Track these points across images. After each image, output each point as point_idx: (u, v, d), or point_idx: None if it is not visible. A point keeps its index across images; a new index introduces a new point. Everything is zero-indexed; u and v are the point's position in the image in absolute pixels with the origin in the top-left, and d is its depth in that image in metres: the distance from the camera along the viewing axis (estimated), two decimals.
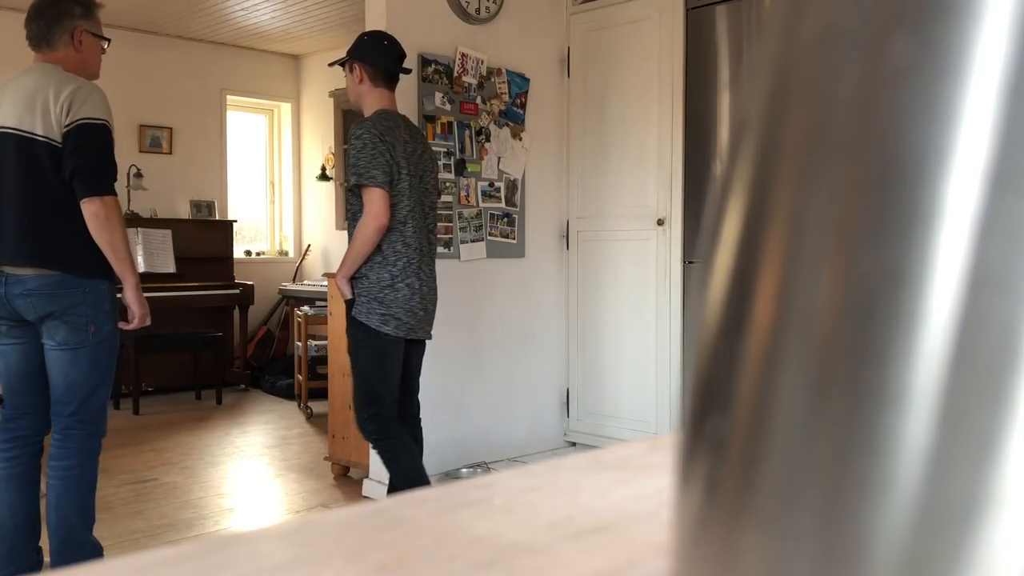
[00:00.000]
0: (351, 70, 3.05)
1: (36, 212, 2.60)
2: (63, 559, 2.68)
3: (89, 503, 2.72)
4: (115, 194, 2.65)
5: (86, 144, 2.58)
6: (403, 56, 3.11)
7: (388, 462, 3.01)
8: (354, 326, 2.99)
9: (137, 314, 2.75)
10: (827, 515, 0.17)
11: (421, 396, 3.79)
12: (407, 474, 2.99)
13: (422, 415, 3.32)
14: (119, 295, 2.74)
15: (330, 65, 3.14)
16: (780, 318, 0.18)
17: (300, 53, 7.94)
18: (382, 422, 2.99)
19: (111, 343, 2.72)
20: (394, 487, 3.06)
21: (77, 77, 2.68)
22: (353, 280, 2.97)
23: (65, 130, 2.58)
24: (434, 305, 3.12)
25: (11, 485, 2.67)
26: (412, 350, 3.13)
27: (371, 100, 3.03)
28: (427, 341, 3.20)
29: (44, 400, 2.70)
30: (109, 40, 2.91)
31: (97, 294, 2.66)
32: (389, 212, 2.88)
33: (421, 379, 3.33)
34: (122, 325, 2.78)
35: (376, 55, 3.03)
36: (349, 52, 3.06)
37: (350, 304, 3.00)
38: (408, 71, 3.21)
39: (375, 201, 2.86)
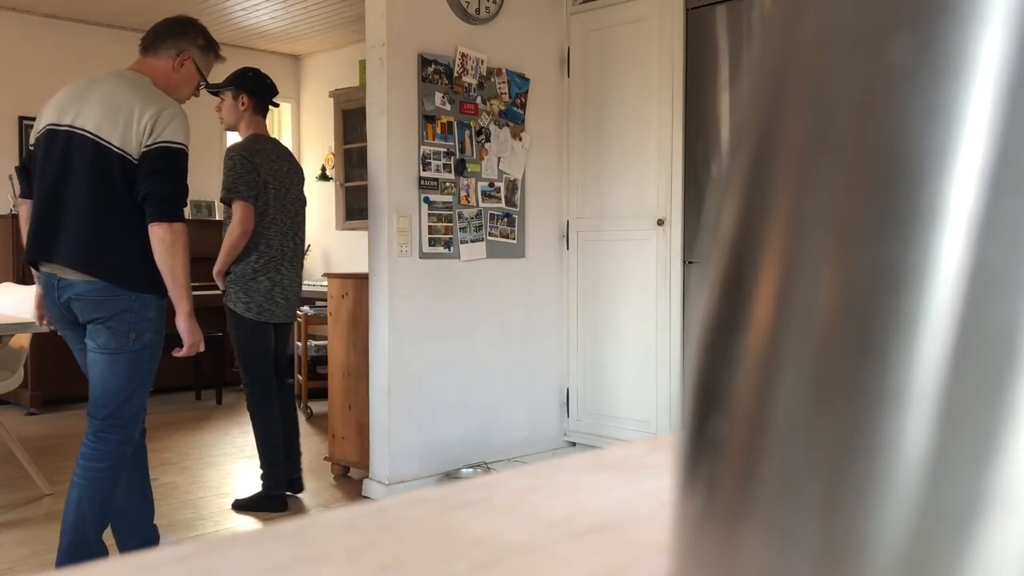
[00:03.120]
0: (235, 98, 3.63)
1: (97, 221, 2.61)
2: (70, 558, 2.70)
3: (107, 506, 2.73)
4: (184, 220, 2.68)
5: (163, 168, 2.60)
6: (277, 92, 3.81)
7: (253, 426, 3.68)
8: (226, 312, 3.66)
9: (188, 342, 2.84)
10: (827, 515, 0.17)
11: (421, 395, 3.92)
12: (261, 444, 3.66)
13: (421, 414, 3.69)
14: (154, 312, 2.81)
15: (206, 87, 3.15)
16: (780, 318, 0.18)
17: (300, 53, 7.94)
18: (252, 393, 3.65)
19: (151, 351, 2.75)
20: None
21: (164, 96, 2.71)
22: (226, 275, 3.61)
23: (145, 149, 2.60)
24: (296, 295, 3.76)
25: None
26: (280, 332, 3.77)
27: (248, 126, 3.65)
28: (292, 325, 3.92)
29: None
30: (208, 84, 3.03)
31: (142, 302, 2.68)
32: (254, 220, 3.50)
33: (421, 378, 3.62)
34: (175, 352, 2.88)
35: (262, 91, 3.69)
36: (236, 83, 3.64)
37: (224, 295, 3.65)
38: (278, 105, 3.92)
39: (240, 211, 3.47)
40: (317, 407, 5.86)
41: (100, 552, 2.76)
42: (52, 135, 2.66)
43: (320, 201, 7.79)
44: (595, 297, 4.35)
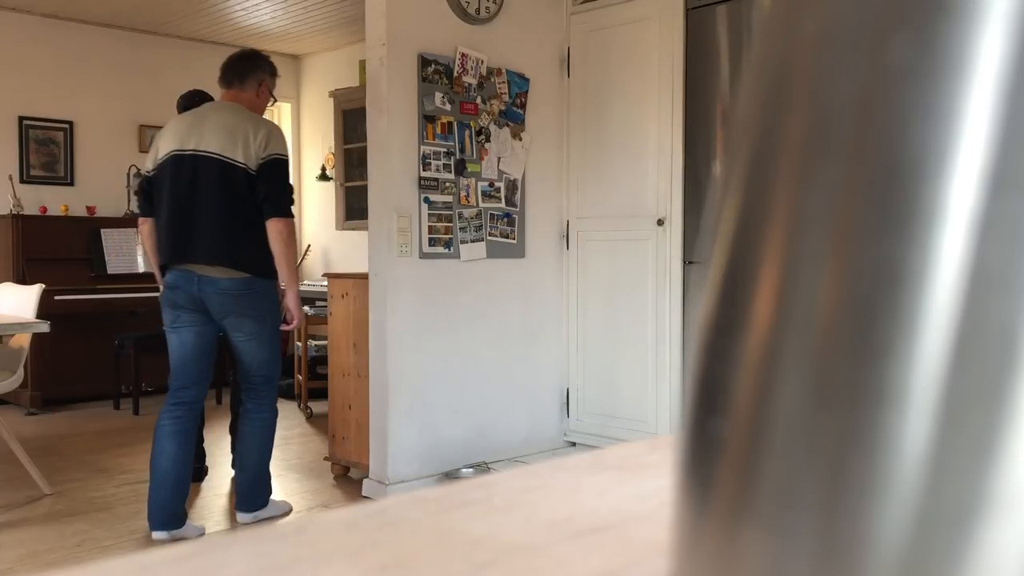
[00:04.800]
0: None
1: (229, 224, 3.19)
2: (258, 485, 3.47)
3: (270, 448, 3.48)
4: (293, 216, 3.30)
5: (277, 175, 3.24)
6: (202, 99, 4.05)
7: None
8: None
9: (296, 317, 3.46)
10: (827, 515, 0.17)
11: (421, 395, 3.92)
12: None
13: (421, 414, 3.74)
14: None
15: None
16: (780, 318, 0.18)
17: (300, 53, 7.94)
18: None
19: (278, 325, 3.41)
20: None
21: (265, 119, 3.36)
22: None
23: (261, 161, 3.21)
24: None
25: (174, 439, 3.27)
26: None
27: None
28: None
29: (208, 375, 3.39)
30: (276, 99, 3.67)
31: (270, 290, 3.33)
32: None
33: (420, 378, 3.68)
34: (283, 327, 3.44)
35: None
36: (180, 107, 4.01)
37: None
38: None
39: None
40: (317, 407, 5.86)
41: (268, 482, 3.52)
42: (179, 159, 3.24)
43: (320, 201, 7.79)
44: (595, 297, 4.35)
